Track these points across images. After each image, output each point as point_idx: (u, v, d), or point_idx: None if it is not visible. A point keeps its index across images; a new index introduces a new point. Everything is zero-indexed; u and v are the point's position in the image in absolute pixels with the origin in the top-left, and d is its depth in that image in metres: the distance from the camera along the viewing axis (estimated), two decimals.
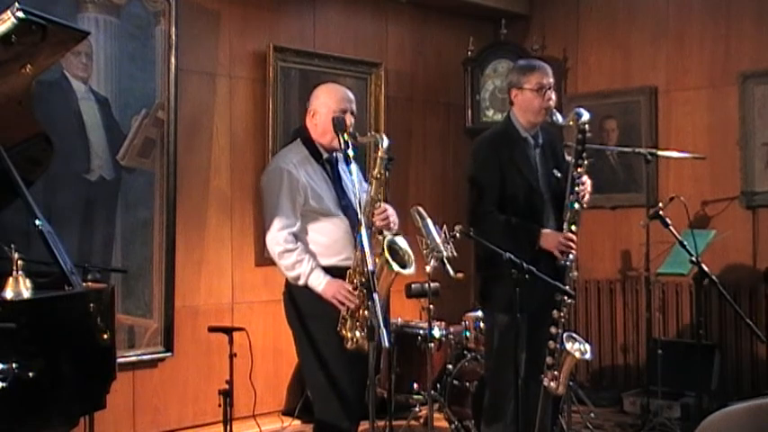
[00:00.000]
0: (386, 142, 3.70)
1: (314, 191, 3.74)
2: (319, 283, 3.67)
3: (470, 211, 4.13)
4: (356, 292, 3.62)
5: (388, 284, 3.69)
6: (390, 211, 3.76)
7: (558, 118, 4.09)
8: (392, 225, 3.75)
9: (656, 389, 5.40)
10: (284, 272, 3.75)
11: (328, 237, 3.75)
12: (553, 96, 4.11)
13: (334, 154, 3.82)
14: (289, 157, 3.82)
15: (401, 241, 3.71)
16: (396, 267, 3.60)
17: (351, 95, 3.87)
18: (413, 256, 3.73)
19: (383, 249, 3.61)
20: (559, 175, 4.13)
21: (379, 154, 3.69)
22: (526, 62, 4.35)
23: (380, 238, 3.67)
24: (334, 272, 3.70)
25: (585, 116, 4.01)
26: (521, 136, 4.11)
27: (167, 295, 5.20)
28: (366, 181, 3.87)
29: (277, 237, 3.70)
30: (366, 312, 3.55)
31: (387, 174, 3.72)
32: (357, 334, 3.64)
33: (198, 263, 5.47)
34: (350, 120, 3.77)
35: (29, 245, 3.34)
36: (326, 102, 3.80)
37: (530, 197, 4.06)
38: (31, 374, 2.85)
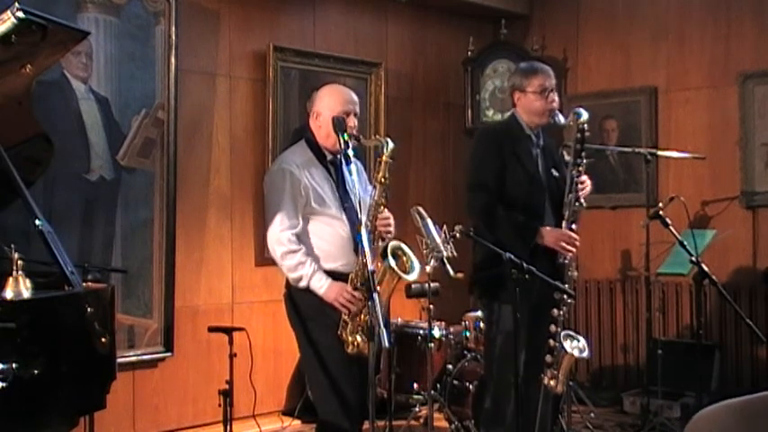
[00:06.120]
0: (391, 145, 3.70)
1: (316, 193, 3.73)
2: (321, 285, 3.67)
3: (471, 205, 4.15)
4: (358, 295, 3.62)
5: (390, 290, 3.69)
6: (391, 219, 3.76)
7: (561, 119, 4.12)
8: (391, 233, 3.76)
9: (656, 389, 5.40)
10: (286, 272, 3.75)
11: (329, 241, 3.75)
12: (556, 98, 4.14)
13: (339, 156, 3.81)
14: (292, 158, 3.81)
15: (405, 247, 3.71)
16: (398, 271, 3.60)
17: (354, 97, 3.85)
18: (416, 262, 3.73)
19: (386, 255, 3.61)
20: (557, 174, 4.16)
21: (384, 158, 3.69)
22: (528, 65, 4.35)
23: (380, 244, 3.67)
24: (334, 277, 3.70)
25: (584, 116, 4.04)
26: (524, 133, 4.15)
27: (167, 295, 5.20)
28: (370, 181, 3.87)
29: (280, 237, 3.70)
30: (367, 318, 3.55)
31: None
32: (358, 338, 3.64)
33: (198, 263, 5.47)
34: (353, 121, 3.76)
35: (29, 245, 3.34)
36: (330, 103, 3.79)
37: (530, 189, 4.09)
38: (31, 374, 2.84)
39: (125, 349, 4.96)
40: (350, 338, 3.65)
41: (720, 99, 6.14)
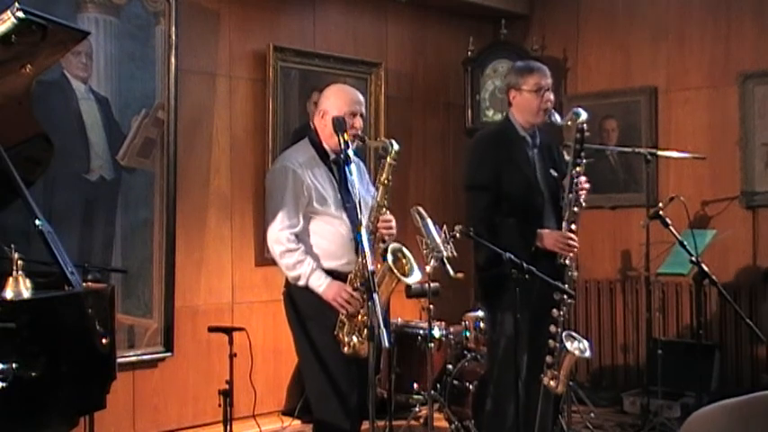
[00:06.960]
0: (396, 147, 3.70)
1: (318, 192, 3.73)
2: (320, 284, 3.67)
3: (470, 216, 4.13)
4: (357, 295, 3.62)
5: (389, 292, 3.69)
6: (393, 222, 3.76)
7: (557, 118, 4.10)
8: (393, 235, 3.76)
9: (656, 389, 5.40)
10: (285, 271, 3.75)
11: (330, 240, 3.75)
12: (551, 97, 4.13)
13: (341, 155, 3.80)
14: (295, 156, 3.81)
15: (405, 250, 3.71)
16: (397, 274, 3.60)
17: (360, 97, 3.87)
18: (416, 266, 3.73)
19: (386, 257, 3.61)
20: (556, 174, 4.14)
21: (389, 160, 3.69)
22: (524, 63, 4.36)
23: (381, 246, 3.67)
24: (335, 276, 3.70)
25: (583, 116, 4.02)
26: (519, 135, 4.13)
27: (167, 295, 5.20)
28: (371, 181, 3.87)
29: (279, 236, 3.70)
30: (364, 318, 3.55)
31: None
32: (354, 339, 3.64)
33: (198, 263, 5.47)
34: (359, 122, 3.77)
35: (29, 245, 3.34)
36: (336, 103, 3.79)
37: (529, 194, 4.07)
38: (31, 374, 2.84)
39: (125, 349, 4.95)
40: (346, 339, 3.65)
41: (720, 99, 6.14)
